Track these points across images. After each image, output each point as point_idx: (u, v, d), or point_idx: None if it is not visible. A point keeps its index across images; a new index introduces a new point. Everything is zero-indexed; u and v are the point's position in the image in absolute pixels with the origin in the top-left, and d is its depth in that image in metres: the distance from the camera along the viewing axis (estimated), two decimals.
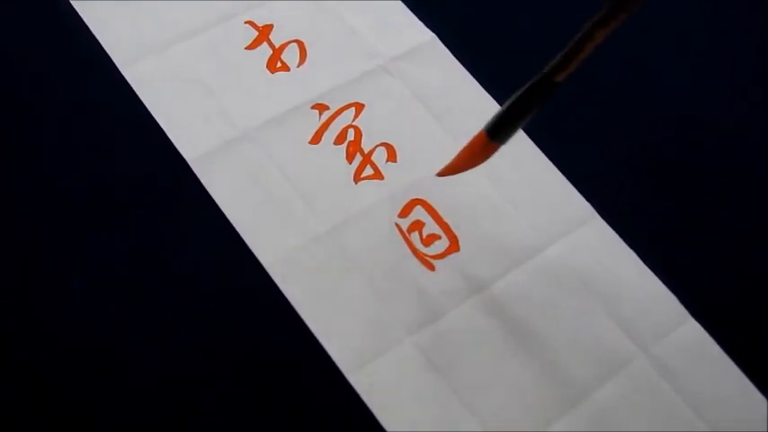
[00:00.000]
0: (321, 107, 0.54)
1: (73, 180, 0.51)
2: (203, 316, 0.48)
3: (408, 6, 0.58)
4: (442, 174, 0.46)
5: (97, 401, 0.44)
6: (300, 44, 0.56)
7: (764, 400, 0.49)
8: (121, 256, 0.48)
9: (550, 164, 0.53)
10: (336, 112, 0.54)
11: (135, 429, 0.44)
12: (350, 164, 0.52)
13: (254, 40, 0.56)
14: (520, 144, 0.54)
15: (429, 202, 0.52)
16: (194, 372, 0.46)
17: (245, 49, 0.56)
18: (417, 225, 0.51)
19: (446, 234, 0.51)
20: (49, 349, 0.44)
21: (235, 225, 0.50)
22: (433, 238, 0.51)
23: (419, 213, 0.51)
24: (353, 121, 0.54)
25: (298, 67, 0.55)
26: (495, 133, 0.41)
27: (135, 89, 0.53)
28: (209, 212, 0.50)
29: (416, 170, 0.52)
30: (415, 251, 0.50)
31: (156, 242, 0.50)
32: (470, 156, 0.44)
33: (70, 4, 0.55)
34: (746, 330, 0.51)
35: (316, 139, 0.53)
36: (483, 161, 0.44)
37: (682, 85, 0.58)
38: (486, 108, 0.55)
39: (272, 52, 0.56)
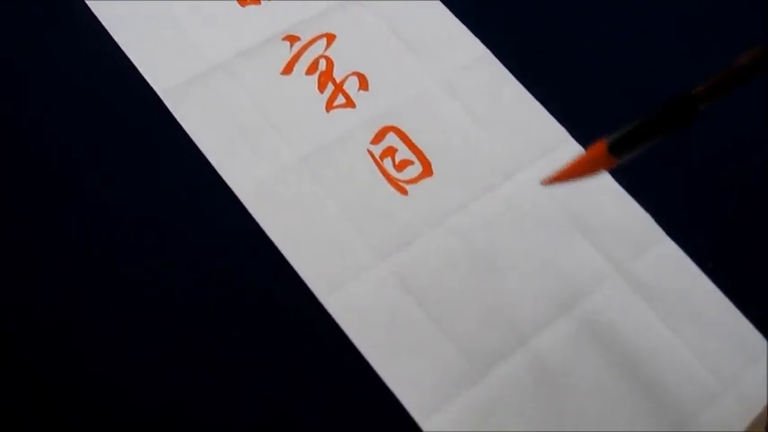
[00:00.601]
0: (292, 38, 0.54)
1: (51, 125, 0.50)
2: (181, 251, 0.48)
3: None
4: (549, 182, 0.43)
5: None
6: None
7: (741, 315, 0.48)
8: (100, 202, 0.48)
9: (523, 89, 0.53)
10: (308, 42, 0.53)
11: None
12: (321, 93, 0.52)
13: None
14: (493, 70, 0.54)
15: (402, 128, 0.51)
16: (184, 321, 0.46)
17: None
18: (390, 151, 0.51)
19: (419, 159, 0.51)
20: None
21: (207, 156, 0.50)
22: (405, 163, 0.50)
23: (392, 140, 0.51)
24: (325, 51, 0.53)
25: None
26: (618, 150, 0.38)
27: (104, 24, 0.53)
28: (181, 144, 0.50)
29: (389, 98, 0.52)
30: (387, 177, 0.50)
31: (130, 177, 0.49)
32: (585, 167, 0.41)
33: None
34: (723, 248, 0.50)
35: (287, 69, 0.53)
36: (597, 173, 0.41)
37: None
38: (457, 35, 0.55)
39: None
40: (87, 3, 0.53)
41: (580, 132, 0.52)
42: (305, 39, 0.53)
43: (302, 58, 0.53)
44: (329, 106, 0.52)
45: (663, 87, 0.54)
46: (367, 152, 0.51)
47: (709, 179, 0.52)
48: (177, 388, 0.44)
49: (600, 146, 0.39)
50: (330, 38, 0.54)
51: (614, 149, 0.38)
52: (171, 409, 0.44)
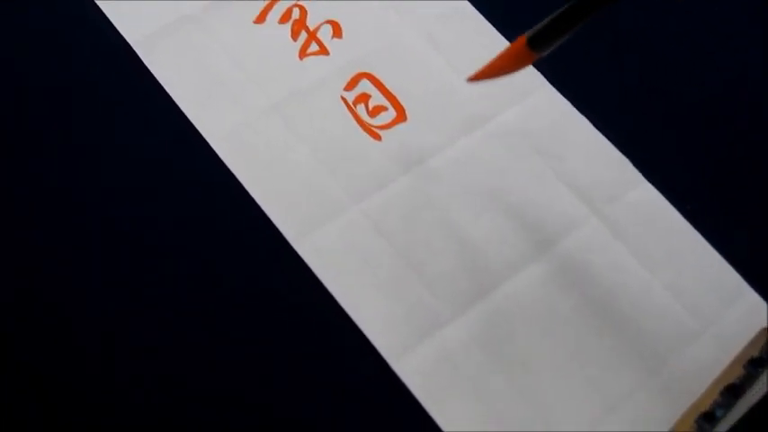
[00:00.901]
0: None
1: (24, 82, 0.50)
2: (153, 196, 0.47)
3: None
4: (473, 78, 0.43)
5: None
6: None
7: (720, 257, 0.48)
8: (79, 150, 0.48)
9: (498, 34, 0.53)
10: None
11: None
12: (295, 41, 0.52)
13: None
14: (470, 17, 0.53)
15: (376, 75, 0.51)
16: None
17: None
18: (363, 98, 0.50)
19: (393, 105, 0.50)
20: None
21: (180, 105, 0.49)
22: (379, 109, 0.50)
23: (365, 86, 0.51)
24: (298, 0, 0.53)
25: None
26: (538, 43, 0.38)
27: None
28: (153, 94, 0.50)
29: (362, 45, 0.52)
30: (361, 123, 0.50)
31: (103, 128, 0.49)
32: (507, 63, 0.42)
33: None
34: (702, 190, 0.50)
35: (260, 18, 0.52)
36: (519, 69, 0.41)
37: None
38: None
39: None
40: None
41: (557, 77, 0.52)
42: None
43: (275, 7, 0.53)
44: (302, 54, 0.51)
45: (639, 27, 0.54)
46: (340, 99, 0.50)
47: (688, 121, 0.52)
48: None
49: (520, 41, 0.39)
50: None
51: (534, 44, 0.38)
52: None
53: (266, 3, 0.53)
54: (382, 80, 0.51)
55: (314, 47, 0.51)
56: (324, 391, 0.44)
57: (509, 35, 0.52)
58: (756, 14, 0.55)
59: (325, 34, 0.52)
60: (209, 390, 0.43)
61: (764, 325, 0.46)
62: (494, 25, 0.53)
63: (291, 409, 0.43)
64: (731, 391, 0.43)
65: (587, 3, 0.35)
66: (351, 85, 0.50)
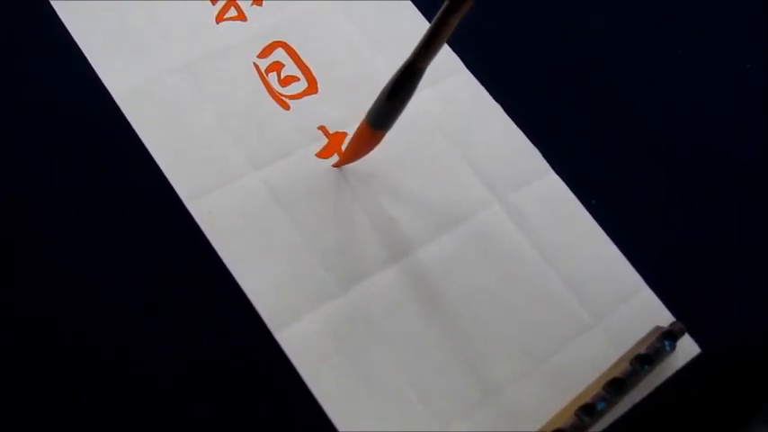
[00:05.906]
0: None
1: None
2: (59, 146, 0.46)
3: None
4: (336, 165, 0.47)
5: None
6: None
7: (620, 253, 0.48)
8: None
9: (417, 11, 0.52)
10: None
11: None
12: (213, 5, 0.51)
13: None
14: None
15: (291, 45, 0.50)
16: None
17: None
18: (276, 66, 0.49)
19: (305, 76, 0.49)
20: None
21: (86, 53, 0.48)
22: (291, 79, 0.49)
23: (279, 55, 0.50)
24: None
25: None
26: (378, 123, 0.42)
27: None
28: (59, 39, 0.49)
29: (282, 14, 0.51)
30: (270, 90, 0.49)
31: (8, 76, 0.48)
32: (359, 147, 0.44)
33: None
34: (608, 186, 0.50)
35: None
36: (374, 147, 0.44)
37: None
38: None
39: None
40: None
41: (475, 62, 0.51)
42: None
43: None
44: (219, 18, 0.50)
45: (560, 19, 0.54)
46: (252, 65, 0.49)
47: (601, 117, 0.52)
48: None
49: (363, 126, 0.42)
50: None
51: (375, 125, 0.42)
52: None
53: None
54: (297, 50, 0.50)
55: (232, 12, 0.51)
56: (204, 355, 0.42)
57: (428, 13, 0.52)
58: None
59: (244, 0, 0.51)
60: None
61: (657, 323, 0.46)
62: (413, 2, 0.53)
63: (174, 376, 0.42)
64: (614, 386, 0.43)
65: (404, 79, 0.39)
66: (265, 52, 0.50)
